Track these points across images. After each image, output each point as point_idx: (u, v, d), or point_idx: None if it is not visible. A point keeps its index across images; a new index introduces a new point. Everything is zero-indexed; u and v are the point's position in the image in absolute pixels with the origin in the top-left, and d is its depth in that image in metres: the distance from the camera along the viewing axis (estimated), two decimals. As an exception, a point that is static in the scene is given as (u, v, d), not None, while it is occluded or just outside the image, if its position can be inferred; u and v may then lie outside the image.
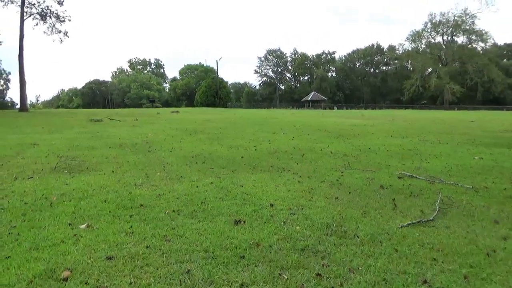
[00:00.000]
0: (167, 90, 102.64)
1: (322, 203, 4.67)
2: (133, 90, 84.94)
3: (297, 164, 7.66)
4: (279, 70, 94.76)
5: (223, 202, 4.66)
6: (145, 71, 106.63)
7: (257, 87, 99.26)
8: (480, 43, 76.96)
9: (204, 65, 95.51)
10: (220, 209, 4.39)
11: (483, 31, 74.71)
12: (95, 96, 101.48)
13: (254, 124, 19.15)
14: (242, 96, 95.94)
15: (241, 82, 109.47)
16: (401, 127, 17.46)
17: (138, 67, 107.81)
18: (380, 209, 4.48)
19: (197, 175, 6.36)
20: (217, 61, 62.76)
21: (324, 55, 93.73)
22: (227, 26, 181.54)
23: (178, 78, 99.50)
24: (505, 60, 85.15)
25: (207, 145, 10.52)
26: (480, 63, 73.09)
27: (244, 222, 3.95)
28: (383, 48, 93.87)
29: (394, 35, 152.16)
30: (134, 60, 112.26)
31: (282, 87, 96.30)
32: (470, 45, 77.60)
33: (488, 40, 76.52)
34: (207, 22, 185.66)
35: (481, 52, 76.70)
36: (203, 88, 57.66)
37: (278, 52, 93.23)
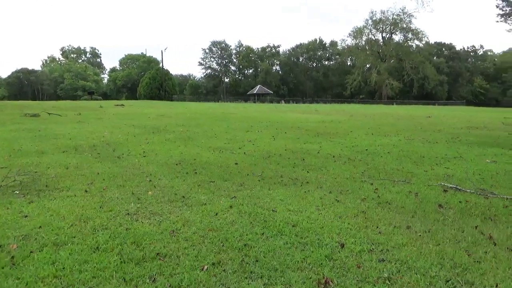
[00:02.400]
0: (106, 81, 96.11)
1: (399, 237, 3.51)
2: (67, 81, 78.23)
3: (308, 172, 6.46)
4: (224, 62, 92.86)
5: (273, 243, 3.31)
6: (80, 60, 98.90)
7: (202, 79, 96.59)
8: (416, 41, 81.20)
9: (146, 55, 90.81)
10: (278, 257, 3.04)
11: (419, 30, 78.87)
12: (22, 86, 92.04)
13: (216, 120, 17.68)
14: (186, 89, 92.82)
15: (184, 74, 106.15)
16: (371, 124, 16.98)
17: (72, 55, 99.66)
18: (483, 245, 3.40)
19: (202, 193, 4.90)
20: (162, 51, 59.63)
21: (269, 49, 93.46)
22: (169, 14, 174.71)
23: (118, 68, 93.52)
24: (435, 58, 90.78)
25: (183, 148, 8.95)
26: (416, 60, 77.08)
27: (331, 283, 2.65)
28: (325, 44, 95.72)
29: (336, 31, 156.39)
30: (67, 48, 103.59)
31: (227, 80, 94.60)
32: (406, 43, 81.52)
33: (423, 39, 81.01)
34: (148, 9, 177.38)
35: (417, 50, 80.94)
36: (146, 80, 54.26)
37: (223, 44, 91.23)
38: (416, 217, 4.17)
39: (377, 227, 3.77)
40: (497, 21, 32.11)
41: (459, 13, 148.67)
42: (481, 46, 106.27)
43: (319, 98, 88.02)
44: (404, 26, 78.67)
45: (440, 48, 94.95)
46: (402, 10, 77.46)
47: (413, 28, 78.37)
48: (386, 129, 14.68)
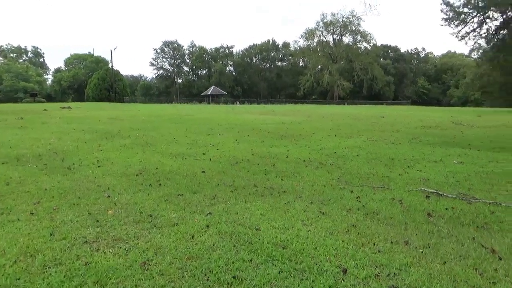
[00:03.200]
0: (50, 82, 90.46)
1: (401, 256, 3.17)
2: (6, 82, 72.55)
3: (282, 180, 6.05)
4: (177, 63, 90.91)
5: (265, 272, 2.83)
6: (21, 60, 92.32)
7: (153, 80, 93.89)
8: (364, 43, 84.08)
9: (94, 54, 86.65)
10: (275, 291, 2.57)
11: (367, 33, 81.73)
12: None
13: (173, 122, 16.89)
14: (137, 90, 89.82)
15: (135, 74, 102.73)
16: (330, 125, 16.98)
17: (12, 55, 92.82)
18: (490, 262, 3.14)
19: (171, 210, 4.31)
20: (111, 50, 56.94)
21: (223, 49, 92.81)
22: (119, 12, 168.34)
23: (64, 68, 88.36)
24: (382, 59, 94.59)
25: (141, 155, 8.22)
26: (365, 61, 79.81)
27: (347, 323, 2.22)
28: (278, 45, 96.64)
29: (289, 32, 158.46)
30: (5, 47, 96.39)
31: (180, 81, 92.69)
32: (356, 45, 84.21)
33: (371, 41, 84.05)
34: (95, 6, 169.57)
35: (365, 51, 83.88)
36: (95, 81, 51.52)
37: (175, 44, 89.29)
38: (410, 229, 3.87)
39: (374, 244, 3.42)
40: (442, 25, 33.86)
41: (404, 17, 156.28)
42: (423, 49, 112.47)
43: (273, 98, 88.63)
44: (354, 28, 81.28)
45: (387, 50, 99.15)
46: (351, 13, 79.89)
47: (361, 30, 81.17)
48: (346, 130, 14.68)
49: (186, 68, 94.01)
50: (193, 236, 3.51)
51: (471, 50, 54.26)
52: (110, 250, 3.18)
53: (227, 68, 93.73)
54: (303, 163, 7.52)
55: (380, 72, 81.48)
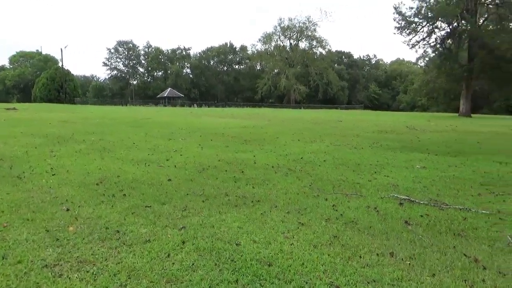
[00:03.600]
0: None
1: (390, 270, 3.07)
2: None
3: (254, 188, 5.84)
4: (131, 63, 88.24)
5: (254, 295, 2.61)
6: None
7: (106, 81, 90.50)
8: (320, 48, 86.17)
9: (42, 53, 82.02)
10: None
11: (323, 38, 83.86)
12: None
13: (131, 126, 16.21)
14: (89, 91, 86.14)
15: (87, 75, 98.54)
16: (292, 129, 17.04)
17: None
18: (476, 272, 3.11)
19: (140, 224, 3.97)
20: (61, 49, 54.30)
21: (180, 51, 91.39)
22: (69, 9, 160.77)
23: (8, 67, 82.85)
24: (336, 65, 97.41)
25: (100, 161, 7.69)
26: (320, 66, 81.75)
27: None
28: (236, 48, 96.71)
29: (247, 35, 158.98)
30: None
31: (135, 82, 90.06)
32: (311, 50, 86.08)
33: (326, 47, 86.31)
34: (43, 1, 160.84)
35: (321, 57, 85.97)
36: (43, 81, 48.67)
37: (130, 45, 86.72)
38: (391, 239, 3.80)
39: (361, 257, 3.29)
40: (394, 33, 35.30)
41: (356, 24, 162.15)
42: (375, 56, 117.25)
43: (230, 101, 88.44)
44: (310, 34, 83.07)
45: (341, 56, 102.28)
46: (308, 19, 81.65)
47: (317, 36, 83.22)
48: (308, 134, 14.76)
49: (141, 69, 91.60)
50: (169, 255, 3.21)
51: (418, 58, 57.19)
52: (76, 275, 2.81)
53: (184, 70, 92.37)
54: (272, 169, 7.36)
55: (335, 77, 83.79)
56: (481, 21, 35.50)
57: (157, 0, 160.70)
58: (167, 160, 8.10)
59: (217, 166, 7.58)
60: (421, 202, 5.19)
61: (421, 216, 4.61)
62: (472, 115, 37.87)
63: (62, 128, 14.30)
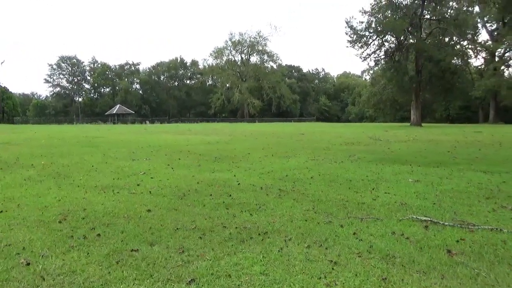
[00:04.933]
0: None
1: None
2: None
3: (251, 215, 5.01)
4: (76, 80, 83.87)
5: None
6: None
7: (49, 98, 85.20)
8: (271, 62, 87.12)
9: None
10: None
11: (273, 53, 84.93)
12: None
13: (83, 146, 14.73)
14: (29, 109, 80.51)
15: (27, 92, 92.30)
16: (259, 144, 16.37)
17: None
18: None
19: (131, 279, 3.00)
20: (-5, 65, 49.96)
21: (128, 66, 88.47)
22: (6, 22, 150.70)
23: None
24: (287, 79, 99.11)
25: (57, 190, 6.48)
26: (272, 80, 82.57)
27: None
28: (186, 63, 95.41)
29: (197, 50, 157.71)
30: None
31: (80, 99, 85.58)
32: (263, 65, 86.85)
33: (277, 61, 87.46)
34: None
35: (272, 71, 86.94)
36: (-24, 99, 44.55)
37: (74, 60, 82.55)
38: (447, 277, 3.15)
39: (435, 309, 2.58)
40: (347, 46, 36.11)
41: (305, 39, 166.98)
42: (323, 69, 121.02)
43: (183, 117, 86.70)
44: (261, 48, 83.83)
45: (291, 70, 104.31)
46: (258, 33, 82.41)
47: (268, 51, 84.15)
48: (278, 149, 14.13)
49: (87, 86, 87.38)
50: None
51: (363, 71, 59.30)
52: None
53: (133, 86, 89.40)
54: (261, 191, 6.56)
55: (287, 91, 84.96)
56: (425, 35, 37.34)
57: (101, 14, 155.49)
58: (138, 185, 7.03)
59: (198, 189, 6.65)
60: (446, 223, 4.62)
61: (457, 241, 4.02)
62: (422, 124, 39.47)
63: (4, 151, 12.58)
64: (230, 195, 6.23)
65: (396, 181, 7.59)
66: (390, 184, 7.21)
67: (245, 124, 50.71)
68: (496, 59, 54.29)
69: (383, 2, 35.34)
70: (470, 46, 43.95)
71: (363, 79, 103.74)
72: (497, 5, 49.24)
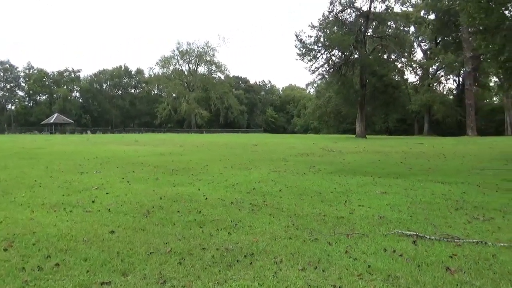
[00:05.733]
0: None
1: None
2: None
3: (230, 234, 4.58)
4: (8, 86, 77.70)
5: None
6: None
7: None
8: (219, 73, 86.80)
9: None
10: None
11: (221, 64, 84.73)
12: None
13: (21, 158, 13.40)
14: (-48, 117, 73.10)
15: None
16: (214, 155, 15.90)
17: None
18: None
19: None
20: None
21: (67, 73, 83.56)
22: None
23: None
24: (235, 90, 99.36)
25: (13, 212, 5.60)
26: (220, 91, 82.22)
27: None
28: (131, 71, 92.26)
29: (143, 59, 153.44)
30: None
31: (13, 107, 79.33)
32: (211, 75, 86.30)
33: (225, 72, 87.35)
34: None
35: (220, 81, 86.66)
36: None
37: (7, 65, 76.49)
38: (458, 297, 2.95)
39: None
40: (296, 59, 36.82)
41: (252, 51, 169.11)
42: (269, 81, 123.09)
43: (127, 127, 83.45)
44: (208, 59, 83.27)
45: (238, 81, 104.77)
46: (206, 44, 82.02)
47: (216, 61, 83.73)
48: (236, 160, 13.76)
49: (21, 93, 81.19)
50: None
51: (308, 84, 61.20)
52: None
53: (73, 94, 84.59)
54: (232, 206, 6.14)
55: (235, 102, 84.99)
56: (369, 51, 39.19)
57: (38, 16, 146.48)
58: (92, 202, 6.30)
59: (163, 205, 6.08)
60: (432, 238, 4.51)
61: (451, 257, 3.89)
62: (366, 136, 41.09)
63: None
64: (200, 211, 5.75)
65: (365, 192, 7.53)
66: (360, 196, 7.12)
67: (193, 135, 49.71)
68: (430, 76, 58.53)
69: (330, 18, 36.62)
70: (407, 63, 46.81)
71: (307, 92, 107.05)
72: (430, 27, 53.22)
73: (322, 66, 37.24)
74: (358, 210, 5.98)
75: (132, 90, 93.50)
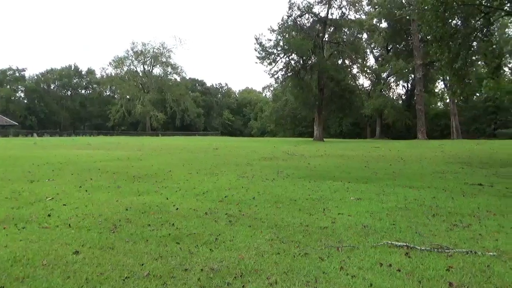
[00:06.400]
0: None
1: None
2: None
3: (212, 251, 4.18)
4: None
5: None
6: None
7: None
8: (175, 75, 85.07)
9: None
10: None
11: (178, 65, 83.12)
12: None
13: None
14: None
15: None
16: (176, 160, 15.27)
17: None
18: None
19: None
20: None
21: (11, 72, 78.28)
22: None
23: None
24: (191, 92, 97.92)
25: None
26: (177, 93, 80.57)
27: None
28: (82, 71, 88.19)
29: (94, 58, 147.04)
30: None
31: None
32: (167, 77, 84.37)
33: (181, 74, 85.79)
34: None
35: (176, 83, 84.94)
36: None
37: None
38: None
39: None
40: (256, 62, 36.72)
41: (208, 53, 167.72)
42: (226, 84, 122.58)
43: (77, 130, 79.58)
44: (164, 60, 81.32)
45: (195, 84, 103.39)
46: (162, 45, 79.90)
47: (172, 63, 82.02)
48: (200, 165, 13.25)
49: (-44, 92, 74.85)
50: None
51: (264, 88, 61.62)
52: None
53: (17, 94, 79.30)
54: (206, 217, 5.72)
55: (191, 104, 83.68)
56: (327, 56, 39.95)
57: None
58: (49, 215, 5.62)
59: (131, 218, 5.53)
60: (422, 248, 4.36)
61: (447, 270, 3.73)
62: (324, 139, 41.81)
63: None
64: (173, 224, 5.28)
65: (340, 199, 7.37)
66: (336, 203, 6.94)
67: (149, 138, 48.14)
68: (382, 81, 60.86)
69: (289, 23, 36.91)
70: (362, 69, 48.27)
71: (264, 95, 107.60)
72: (383, 34, 55.33)
73: (281, 69, 37.40)
74: (339, 219, 5.77)
75: (83, 91, 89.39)
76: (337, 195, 7.82)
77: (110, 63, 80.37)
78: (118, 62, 78.40)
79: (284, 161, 15.88)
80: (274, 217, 5.80)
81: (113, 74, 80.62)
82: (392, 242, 4.54)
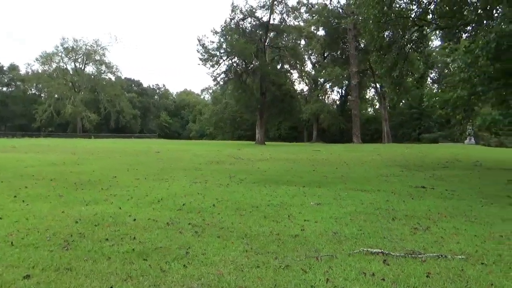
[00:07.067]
0: None
1: None
2: None
3: (186, 267, 3.85)
4: None
5: None
6: None
7: None
8: (109, 74, 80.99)
9: None
10: None
11: (112, 64, 79.23)
12: None
13: None
14: None
15: None
16: (116, 165, 14.37)
17: None
18: None
19: None
20: None
21: None
22: None
23: None
24: (127, 93, 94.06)
25: None
26: (111, 93, 76.76)
27: None
28: (3, 67, 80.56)
29: (18, 53, 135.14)
30: None
31: None
32: (100, 76, 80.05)
33: (116, 73, 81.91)
34: None
35: (110, 83, 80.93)
36: None
37: None
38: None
39: None
40: (199, 64, 36.12)
41: (145, 53, 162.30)
42: (163, 85, 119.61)
43: (-3, 131, 72.43)
44: (98, 58, 77.14)
45: (131, 84, 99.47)
46: (96, 42, 75.75)
47: (107, 61, 78.05)
48: (146, 170, 12.57)
49: None
50: None
51: (203, 90, 61.19)
52: None
53: None
54: (169, 228, 5.32)
55: (127, 105, 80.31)
56: (269, 60, 40.47)
57: None
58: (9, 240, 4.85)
59: (83, 232, 4.97)
60: (397, 255, 4.38)
61: (427, 277, 3.76)
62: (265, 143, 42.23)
63: None
64: (134, 237, 4.82)
65: (300, 204, 7.31)
66: (298, 209, 6.86)
67: (81, 140, 45.11)
68: (318, 87, 63.17)
69: (232, 26, 36.82)
70: (300, 74, 49.71)
71: (203, 97, 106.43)
72: (320, 41, 57.36)
73: (224, 72, 37.17)
74: (307, 226, 5.67)
75: (4, 89, 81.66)
76: (296, 200, 7.76)
77: (37, 59, 74.26)
78: (46, 58, 72.71)
79: (231, 165, 15.65)
80: (241, 225, 5.56)
81: (40, 71, 74.65)
82: (368, 249, 4.52)
